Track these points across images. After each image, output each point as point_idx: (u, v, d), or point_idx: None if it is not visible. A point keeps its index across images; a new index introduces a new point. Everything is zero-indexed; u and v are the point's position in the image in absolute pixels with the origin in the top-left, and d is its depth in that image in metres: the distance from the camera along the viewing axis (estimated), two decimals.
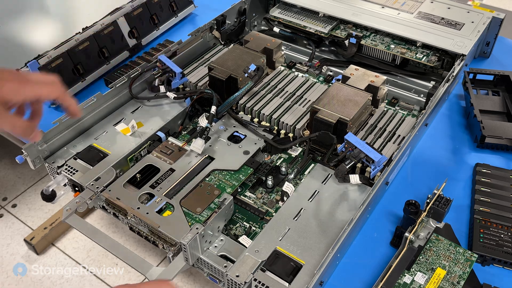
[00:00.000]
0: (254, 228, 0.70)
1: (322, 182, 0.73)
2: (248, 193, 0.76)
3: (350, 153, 0.71)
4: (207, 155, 0.77)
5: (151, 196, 0.71)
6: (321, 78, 0.98)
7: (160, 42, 1.11)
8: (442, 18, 1.00)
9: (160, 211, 0.68)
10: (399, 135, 0.80)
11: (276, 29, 1.08)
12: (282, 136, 0.82)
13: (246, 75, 0.85)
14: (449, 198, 0.66)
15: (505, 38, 1.12)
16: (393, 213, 0.74)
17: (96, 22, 1.01)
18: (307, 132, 0.81)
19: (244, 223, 0.71)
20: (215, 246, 0.65)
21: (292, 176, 0.74)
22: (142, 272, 0.61)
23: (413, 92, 0.94)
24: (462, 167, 0.82)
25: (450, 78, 0.86)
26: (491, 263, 0.67)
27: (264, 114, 0.83)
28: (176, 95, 0.86)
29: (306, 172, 0.78)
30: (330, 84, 0.90)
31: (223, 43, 1.03)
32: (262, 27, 1.14)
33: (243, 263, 0.61)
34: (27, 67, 0.89)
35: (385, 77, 0.85)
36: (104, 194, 0.70)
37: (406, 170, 0.82)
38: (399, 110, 0.90)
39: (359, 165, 0.72)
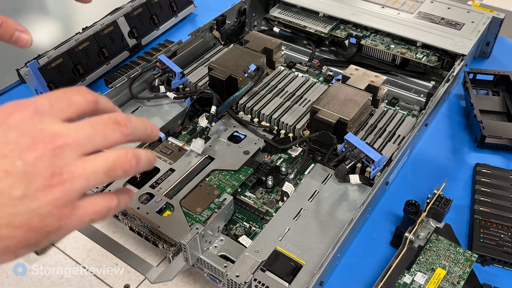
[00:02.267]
0: (254, 228, 0.70)
1: (322, 182, 0.73)
2: (248, 193, 0.76)
3: (350, 153, 0.71)
4: (207, 155, 0.77)
5: (151, 196, 0.71)
6: (321, 78, 0.98)
7: (160, 42, 1.11)
8: (442, 18, 1.00)
9: (160, 211, 0.68)
10: (399, 135, 0.80)
11: (276, 29, 1.08)
12: (282, 136, 0.82)
13: (246, 75, 0.85)
14: (449, 198, 0.66)
15: (505, 38, 1.12)
16: (393, 213, 0.74)
17: (96, 22, 1.01)
18: (307, 132, 0.81)
19: (244, 223, 0.71)
20: (215, 246, 0.65)
21: (292, 176, 0.74)
22: (142, 272, 0.61)
23: (413, 92, 0.94)
24: (462, 167, 0.82)
25: (450, 78, 0.86)
26: (491, 263, 0.67)
27: (264, 114, 0.83)
28: (176, 95, 0.86)
29: (306, 172, 0.78)
30: (330, 84, 0.90)
31: (223, 43, 1.03)
32: (262, 27, 1.14)
33: (243, 263, 0.61)
34: (27, 67, 0.89)
35: (385, 77, 0.85)
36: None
37: (406, 170, 0.82)
38: (399, 110, 0.90)
39: (359, 165, 0.72)
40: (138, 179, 0.74)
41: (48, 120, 0.31)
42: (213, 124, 0.83)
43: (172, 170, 0.75)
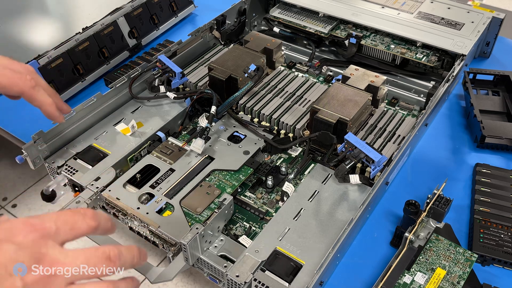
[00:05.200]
0: (254, 228, 0.70)
1: (322, 182, 0.73)
2: (248, 193, 0.76)
3: (350, 153, 0.71)
4: (207, 155, 0.77)
5: (151, 196, 0.71)
6: (321, 78, 0.98)
7: (160, 42, 1.11)
8: (442, 18, 1.00)
9: (160, 211, 0.68)
10: (399, 135, 0.80)
11: (276, 29, 1.08)
12: (282, 136, 0.82)
13: (246, 75, 0.85)
14: (449, 198, 0.65)
15: (505, 38, 1.12)
16: (393, 213, 0.74)
17: (96, 22, 1.01)
18: (307, 132, 0.81)
19: (244, 223, 0.71)
20: (215, 246, 0.65)
21: (292, 176, 0.74)
22: (142, 272, 0.61)
23: (413, 92, 0.94)
24: (462, 167, 0.82)
25: (450, 78, 0.86)
26: (491, 263, 0.67)
27: (264, 114, 0.83)
28: (176, 95, 0.86)
29: (306, 172, 0.78)
30: (330, 84, 0.90)
31: (223, 43, 1.03)
32: (262, 27, 1.14)
33: (243, 263, 0.61)
34: None
35: (385, 77, 0.85)
36: (104, 194, 0.70)
37: (406, 170, 0.82)
38: (399, 110, 0.90)
39: (359, 165, 0.72)
40: (138, 179, 0.74)
41: (51, 244, 0.36)
42: (213, 124, 0.83)
43: (172, 170, 0.75)
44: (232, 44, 1.03)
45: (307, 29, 1.03)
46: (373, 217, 0.74)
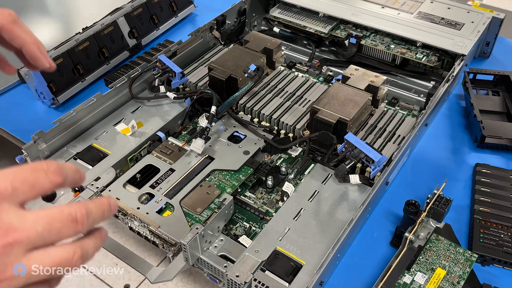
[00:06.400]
0: (254, 228, 0.70)
1: (322, 182, 0.73)
2: (248, 193, 0.75)
3: (350, 153, 0.71)
4: (207, 155, 0.77)
5: (151, 196, 0.71)
6: (321, 78, 0.98)
7: (160, 42, 1.11)
8: (442, 18, 1.00)
9: (160, 211, 0.68)
10: (399, 135, 0.80)
11: (276, 29, 1.08)
12: (282, 136, 0.82)
13: (246, 75, 0.85)
14: (449, 198, 0.65)
15: (505, 38, 1.12)
16: (393, 213, 0.74)
17: (96, 22, 1.01)
18: (307, 132, 0.81)
19: (244, 223, 0.71)
20: (215, 246, 0.65)
21: (292, 176, 0.74)
22: (142, 272, 0.61)
23: (413, 92, 0.94)
24: (462, 167, 0.82)
25: (450, 78, 0.86)
26: (491, 263, 0.67)
27: (264, 114, 0.83)
28: (176, 95, 0.86)
29: (306, 172, 0.78)
30: (330, 84, 0.90)
31: (223, 43, 1.03)
32: (262, 27, 1.14)
33: (243, 263, 0.61)
34: None
35: (385, 77, 0.85)
36: (104, 194, 0.70)
37: (406, 170, 0.82)
38: (399, 110, 0.90)
39: (359, 165, 0.72)
40: (138, 179, 0.74)
41: (7, 207, 0.31)
42: (213, 124, 0.83)
43: (172, 170, 0.75)
44: (232, 44, 1.03)
45: (307, 29, 1.03)
46: (373, 217, 0.74)
